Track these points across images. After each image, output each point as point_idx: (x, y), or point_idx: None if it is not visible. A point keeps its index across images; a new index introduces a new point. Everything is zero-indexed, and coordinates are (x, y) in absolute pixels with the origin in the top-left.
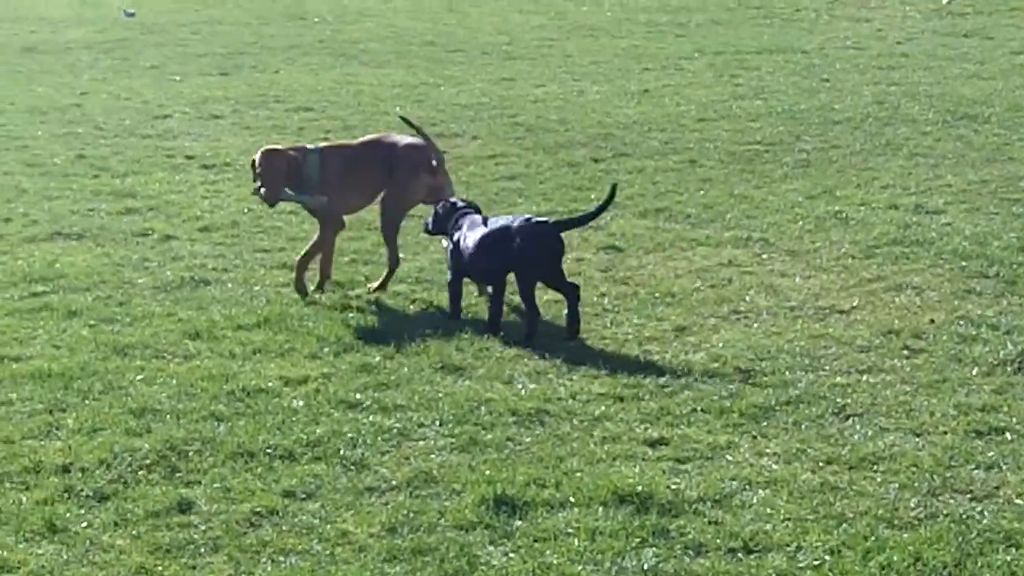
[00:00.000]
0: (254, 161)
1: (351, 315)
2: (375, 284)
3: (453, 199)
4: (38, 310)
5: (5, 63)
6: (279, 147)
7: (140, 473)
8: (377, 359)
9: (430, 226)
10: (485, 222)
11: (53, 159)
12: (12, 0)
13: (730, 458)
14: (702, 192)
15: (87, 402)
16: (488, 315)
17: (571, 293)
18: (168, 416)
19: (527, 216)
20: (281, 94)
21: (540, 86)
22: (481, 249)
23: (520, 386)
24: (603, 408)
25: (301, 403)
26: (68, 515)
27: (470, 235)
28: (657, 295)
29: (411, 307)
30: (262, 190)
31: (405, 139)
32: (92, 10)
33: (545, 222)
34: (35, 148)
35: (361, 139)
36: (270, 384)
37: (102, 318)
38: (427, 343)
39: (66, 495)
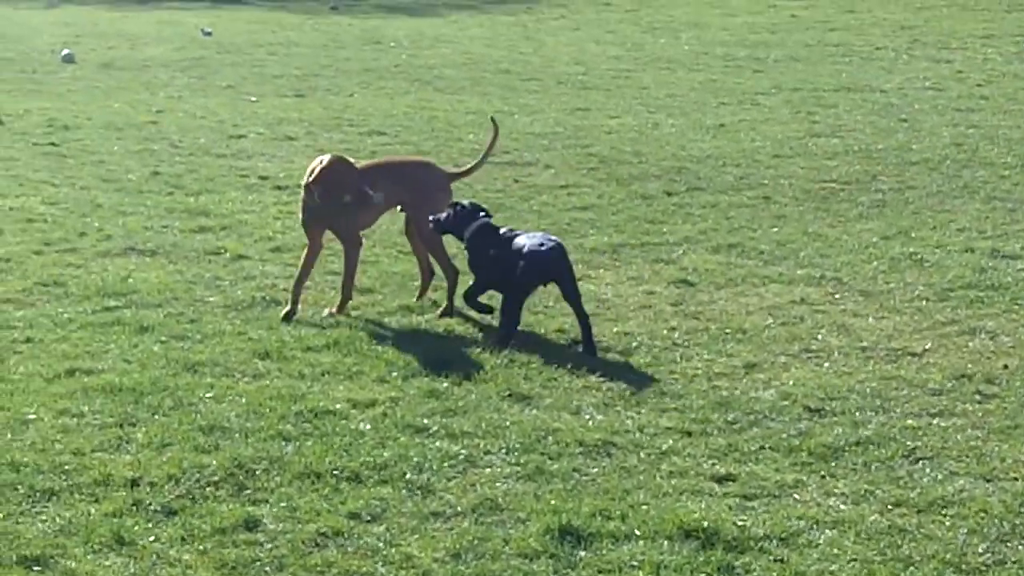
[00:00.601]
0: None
1: (420, 340)
2: (441, 309)
3: (463, 202)
4: (110, 324)
5: (83, 78)
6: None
7: (208, 489)
8: (445, 385)
9: (444, 225)
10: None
11: (128, 175)
12: (92, 16)
13: (797, 497)
14: (776, 229)
15: (157, 417)
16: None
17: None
18: (236, 434)
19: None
20: (355, 117)
21: (615, 117)
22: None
23: (587, 417)
24: (670, 442)
25: (368, 426)
26: (136, 529)
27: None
28: (728, 331)
29: (479, 334)
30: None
31: (413, 159)
32: (170, 28)
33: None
34: (111, 164)
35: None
36: (338, 406)
37: (173, 334)
38: (495, 370)
39: (134, 509)
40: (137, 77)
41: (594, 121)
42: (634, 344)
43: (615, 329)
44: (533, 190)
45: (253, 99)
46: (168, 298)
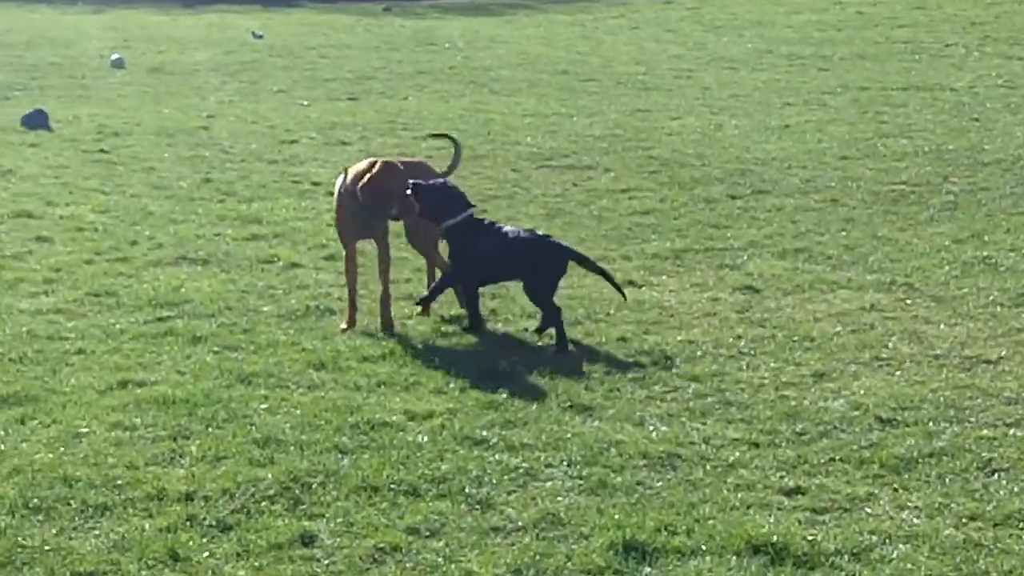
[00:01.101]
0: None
1: (478, 350)
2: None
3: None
4: (163, 335)
5: (133, 83)
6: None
7: (263, 504)
8: (504, 396)
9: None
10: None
11: (179, 182)
12: (141, 19)
13: (869, 511)
14: (844, 233)
15: (211, 430)
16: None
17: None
18: (292, 447)
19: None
20: (409, 121)
21: (676, 118)
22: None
23: (651, 428)
24: (737, 454)
25: (426, 438)
26: (191, 544)
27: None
28: (795, 338)
29: (539, 342)
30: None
31: (413, 160)
32: (220, 32)
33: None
34: (161, 171)
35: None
36: (395, 418)
37: (226, 345)
38: (555, 380)
39: (189, 524)
40: (187, 82)
41: (655, 123)
42: (699, 353)
43: (679, 337)
44: (592, 194)
45: (305, 103)
46: (221, 308)
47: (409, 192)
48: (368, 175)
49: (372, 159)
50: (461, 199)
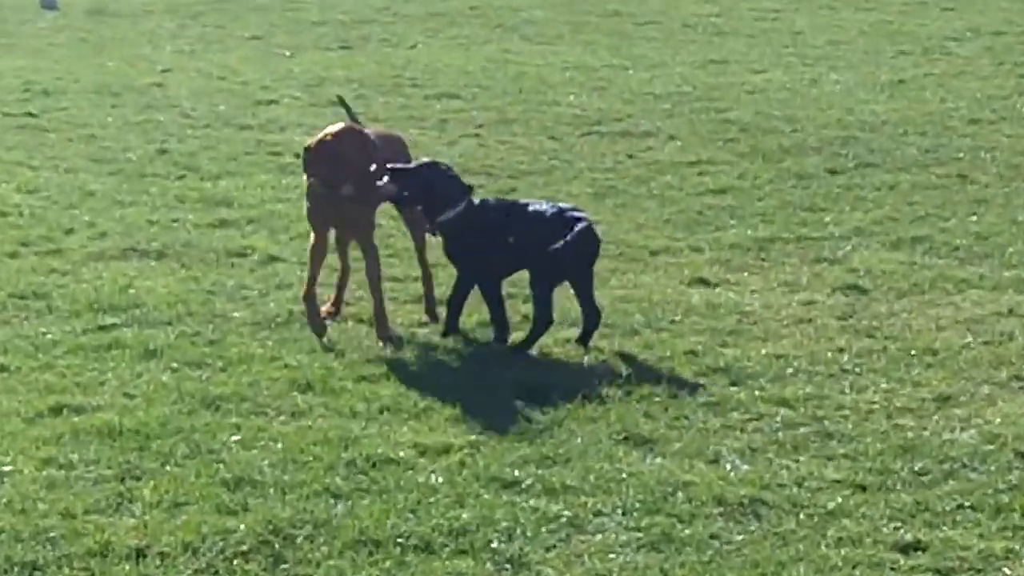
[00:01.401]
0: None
1: (506, 365)
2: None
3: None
4: (107, 348)
5: (67, 28)
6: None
7: (235, 562)
8: (540, 425)
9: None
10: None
11: (127, 154)
12: None
13: (1009, 571)
14: (974, 217)
15: (168, 468)
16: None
17: None
18: (271, 490)
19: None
20: (419, 76)
21: (760, 72)
22: None
23: (728, 467)
24: (839, 500)
25: (441, 479)
26: None
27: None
28: (913, 352)
29: (586, 358)
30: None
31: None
32: None
33: None
34: (104, 139)
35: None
36: (401, 453)
37: (187, 360)
38: (606, 405)
39: None
40: (136, 26)
41: (732, 78)
42: (789, 370)
43: (764, 351)
44: (653, 168)
45: (287, 54)
46: (180, 313)
47: (386, 177)
48: (320, 136)
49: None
50: (455, 183)
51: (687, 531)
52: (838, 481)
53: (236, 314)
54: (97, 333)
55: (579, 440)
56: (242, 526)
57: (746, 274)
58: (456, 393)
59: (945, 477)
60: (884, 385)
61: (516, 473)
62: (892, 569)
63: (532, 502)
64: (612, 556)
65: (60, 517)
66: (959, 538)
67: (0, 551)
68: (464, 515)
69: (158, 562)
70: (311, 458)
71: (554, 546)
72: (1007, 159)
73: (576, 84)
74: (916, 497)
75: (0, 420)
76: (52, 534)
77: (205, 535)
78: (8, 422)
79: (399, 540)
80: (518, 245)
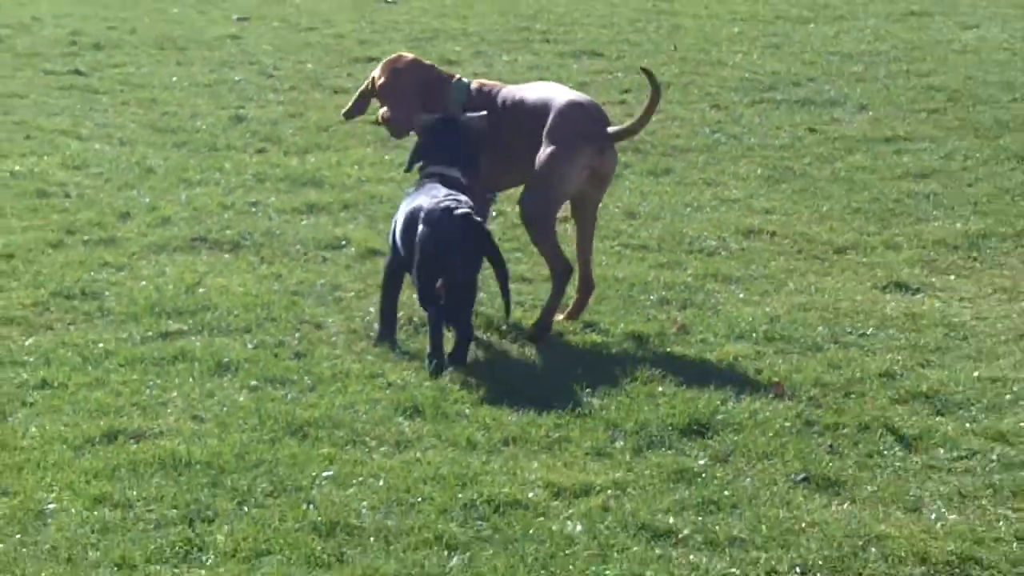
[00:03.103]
0: (373, 78)
1: (659, 389)
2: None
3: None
4: (171, 360)
5: None
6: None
7: None
8: (701, 462)
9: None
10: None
11: (194, 122)
12: None
13: None
14: None
15: (246, 509)
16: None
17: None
18: (371, 538)
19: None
20: (552, 28)
21: (971, 28)
22: None
23: (934, 516)
24: None
25: (580, 527)
26: None
27: None
28: None
29: (752, 381)
30: (382, 112)
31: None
32: None
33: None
34: (167, 103)
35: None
36: (531, 495)
37: (269, 377)
38: (782, 438)
39: None
40: None
41: (936, 34)
42: (1008, 397)
43: (976, 373)
44: (839, 145)
45: (389, 0)
46: (260, 318)
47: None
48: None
49: None
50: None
51: None
52: None
53: (328, 320)
54: (159, 342)
55: (748, 481)
56: None
57: (954, 277)
58: (598, 423)
59: None
60: None
61: (671, 520)
62: None
63: (692, 557)
64: None
65: (115, 568)
66: None
67: None
68: (608, 572)
69: None
70: (420, 499)
71: None
72: None
73: (745, 40)
74: None
75: (43, 448)
76: None
77: None
78: (52, 451)
79: None
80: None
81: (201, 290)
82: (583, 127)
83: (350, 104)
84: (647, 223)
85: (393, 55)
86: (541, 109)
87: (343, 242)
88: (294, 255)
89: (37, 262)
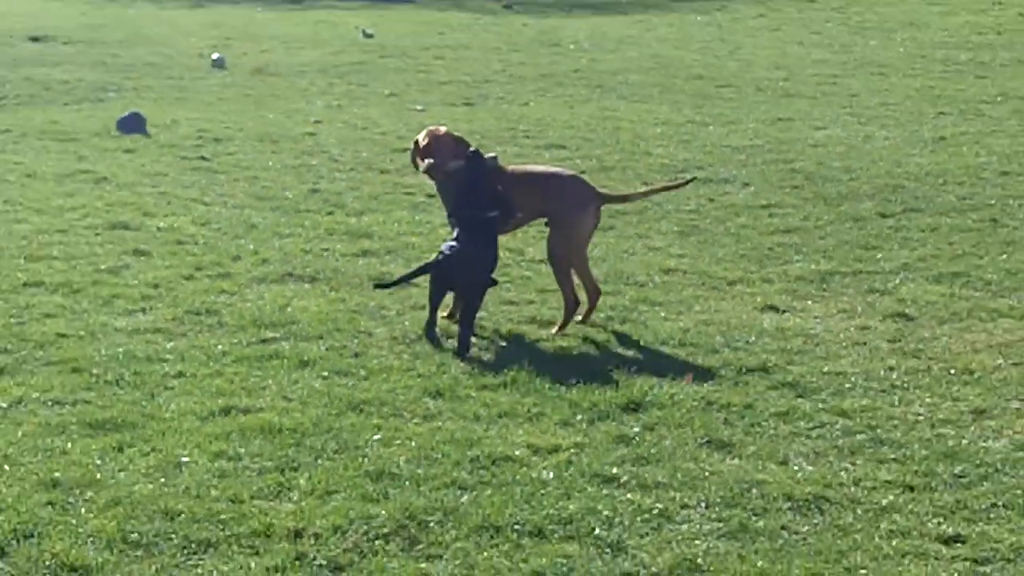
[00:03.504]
0: (417, 141)
1: (608, 378)
2: (555, 328)
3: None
4: (268, 358)
5: (234, 85)
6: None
7: (377, 543)
8: (636, 429)
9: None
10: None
11: (284, 192)
12: (244, 16)
13: None
14: (1005, 256)
15: (320, 462)
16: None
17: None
18: (407, 482)
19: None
20: (531, 128)
21: (821, 129)
22: None
23: (796, 468)
24: (890, 498)
25: (552, 475)
26: None
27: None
28: (953, 371)
29: (673, 374)
30: (426, 161)
31: (568, 171)
32: (328, 30)
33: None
34: (265, 180)
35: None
36: (517, 452)
37: (336, 370)
38: (691, 413)
39: (298, 563)
40: (292, 84)
41: (798, 133)
42: (847, 385)
43: (825, 368)
44: (730, 210)
45: (419, 108)
46: (330, 329)
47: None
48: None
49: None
50: None
51: (760, 523)
52: (889, 481)
53: (377, 331)
54: (259, 345)
55: (668, 443)
56: (383, 512)
57: (810, 302)
58: (564, 400)
59: (981, 479)
60: (928, 399)
61: (615, 470)
62: (936, 558)
63: (629, 496)
64: (697, 543)
65: (229, 502)
66: (993, 532)
67: (180, 530)
68: (571, 506)
69: (312, 542)
70: (441, 455)
71: (647, 534)
72: None
73: (664, 137)
74: (956, 496)
75: (178, 418)
76: (223, 516)
77: (352, 519)
78: (185, 420)
79: (516, 527)
80: None
81: (289, 309)
82: (588, 192)
83: (412, 162)
84: (597, 263)
85: (432, 126)
86: (548, 178)
87: (387, 276)
88: (353, 285)
89: (176, 290)
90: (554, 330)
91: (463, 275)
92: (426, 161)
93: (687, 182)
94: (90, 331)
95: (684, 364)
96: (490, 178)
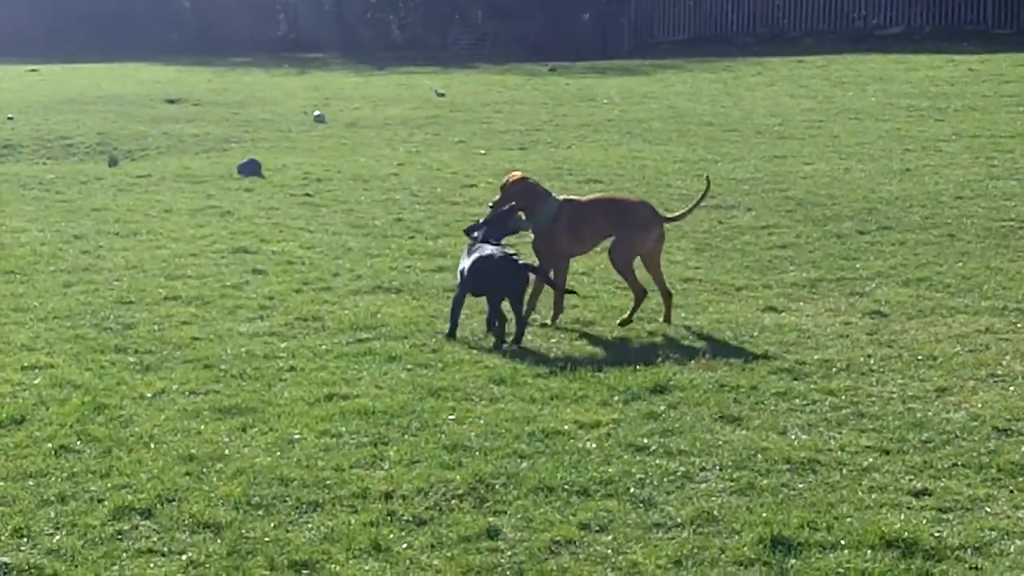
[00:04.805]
0: (505, 183)
1: (639, 367)
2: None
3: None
4: (363, 355)
5: (333, 136)
6: (533, 180)
7: (453, 502)
8: (662, 408)
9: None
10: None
11: (374, 221)
12: (339, 80)
13: (989, 510)
14: (960, 264)
15: (406, 437)
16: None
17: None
18: (477, 452)
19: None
20: (574, 167)
21: (809, 164)
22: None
23: (793, 437)
24: (871, 460)
25: (594, 445)
26: (391, 537)
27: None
28: (919, 357)
29: (692, 363)
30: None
31: (633, 198)
32: (408, 90)
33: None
34: (359, 211)
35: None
36: (566, 427)
37: (418, 363)
38: (707, 395)
39: (389, 519)
40: (380, 134)
41: (790, 167)
42: (833, 370)
43: (815, 357)
44: (736, 230)
45: (482, 152)
46: (413, 331)
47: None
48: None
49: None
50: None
51: (765, 481)
52: (869, 447)
53: None
54: (356, 344)
55: (688, 418)
56: (457, 477)
57: (802, 303)
58: (602, 385)
59: (944, 444)
60: (900, 380)
61: (646, 441)
62: (908, 508)
63: (658, 461)
64: (713, 498)
65: (333, 470)
66: (954, 487)
67: (293, 494)
68: (610, 470)
69: (400, 502)
70: (504, 430)
71: (672, 492)
72: (982, 224)
73: (681, 173)
74: (923, 458)
75: (291, 404)
76: (328, 482)
77: (433, 483)
78: (296, 405)
79: (565, 487)
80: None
81: (379, 315)
82: (651, 213)
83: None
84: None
85: (517, 174)
86: (620, 204)
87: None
88: (432, 295)
89: (287, 301)
90: (626, 315)
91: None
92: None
93: (707, 187)
94: (218, 335)
95: (701, 354)
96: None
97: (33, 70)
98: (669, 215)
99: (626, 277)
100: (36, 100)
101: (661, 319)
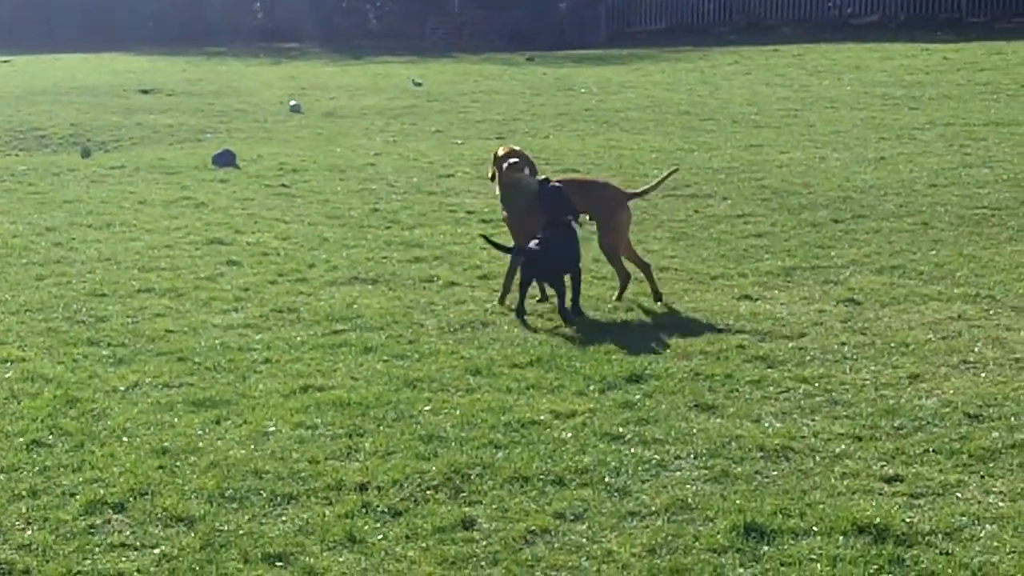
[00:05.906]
0: (496, 153)
1: (614, 357)
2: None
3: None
4: (338, 346)
5: (309, 127)
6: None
7: (428, 493)
8: (637, 397)
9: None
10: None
11: (350, 212)
12: (315, 70)
13: (960, 495)
14: (934, 252)
15: (382, 428)
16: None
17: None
18: (453, 443)
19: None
20: (551, 157)
21: (785, 152)
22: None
23: (767, 424)
24: (843, 446)
25: (569, 434)
26: (366, 528)
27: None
28: (892, 345)
29: (667, 351)
30: (510, 160)
31: (598, 178)
32: (384, 80)
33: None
34: (335, 202)
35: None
36: (542, 417)
37: (394, 354)
38: (682, 383)
39: (364, 510)
40: (356, 124)
41: (766, 156)
42: (807, 358)
43: (790, 345)
44: (712, 219)
45: (459, 142)
46: (389, 322)
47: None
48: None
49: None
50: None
51: (739, 469)
52: (842, 434)
53: (427, 322)
54: (331, 336)
55: (663, 407)
56: (433, 468)
57: (777, 292)
58: (578, 375)
59: (915, 430)
60: (873, 367)
61: (621, 430)
62: (880, 494)
63: (632, 450)
64: (687, 486)
65: (307, 462)
66: (926, 472)
67: (267, 486)
68: (585, 459)
69: (375, 493)
70: (480, 421)
71: (647, 480)
72: (956, 211)
73: (658, 162)
74: (896, 444)
75: (265, 396)
76: (302, 474)
77: (408, 474)
78: (271, 397)
79: (541, 477)
80: None
81: (355, 306)
82: (620, 193)
83: (489, 174)
84: (605, 264)
85: (508, 147)
86: (592, 184)
87: (435, 278)
88: (408, 286)
89: (262, 292)
90: (615, 296)
91: (552, 265)
92: (510, 160)
93: (673, 171)
94: (192, 327)
95: (676, 343)
96: (557, 194)
97: (5, 61)
98: (632, 191)
99: (615, 264)
100: (8, 91)
101: (651, 299)
